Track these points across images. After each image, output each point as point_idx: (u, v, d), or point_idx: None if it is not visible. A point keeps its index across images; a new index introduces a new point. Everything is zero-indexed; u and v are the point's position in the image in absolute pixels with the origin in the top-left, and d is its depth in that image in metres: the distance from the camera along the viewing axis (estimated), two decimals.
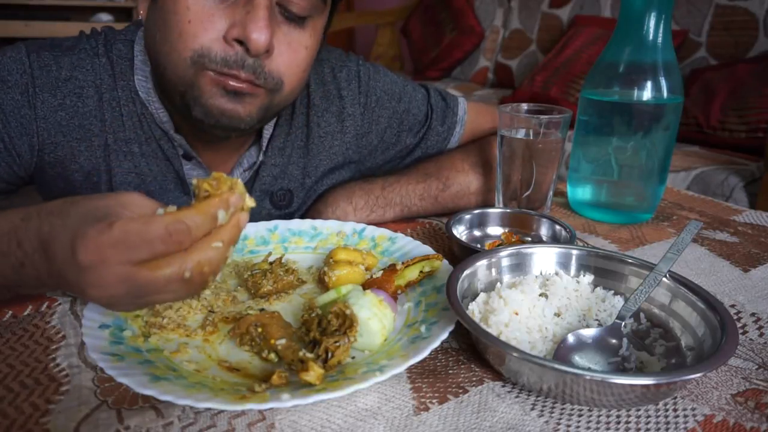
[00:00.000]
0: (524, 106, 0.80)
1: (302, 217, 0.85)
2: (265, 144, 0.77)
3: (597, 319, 0.54)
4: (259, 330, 0.49)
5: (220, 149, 0.75)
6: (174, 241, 0.39)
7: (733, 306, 0.60)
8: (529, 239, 0.75)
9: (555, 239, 0.72)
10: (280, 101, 0.67)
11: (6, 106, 0.65)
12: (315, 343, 0.48)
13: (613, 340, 0.49)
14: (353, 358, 0.49)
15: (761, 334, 0.55)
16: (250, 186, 0.80)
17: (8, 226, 0.48)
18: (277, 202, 0.82)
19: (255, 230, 0.71)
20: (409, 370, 0.48)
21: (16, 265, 0.47)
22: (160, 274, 0.40)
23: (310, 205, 0.86)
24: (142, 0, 0.66)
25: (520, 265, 0.59)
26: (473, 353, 0.51)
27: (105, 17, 3.65)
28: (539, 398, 0.45)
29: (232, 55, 0.60)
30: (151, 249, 0.39)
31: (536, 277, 0.58)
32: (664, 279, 0.53)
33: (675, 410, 0.44)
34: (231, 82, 0.61)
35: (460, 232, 0.74)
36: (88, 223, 0.41)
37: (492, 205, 0.85)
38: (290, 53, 0.64)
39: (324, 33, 0.70)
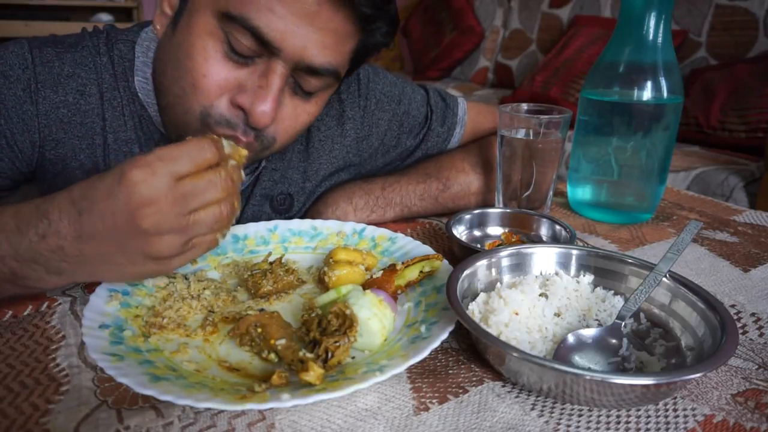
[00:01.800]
0: (524, 106, 0.80)
1: (302, 217, 0.84)
2: None
3: (597, 319, 0.54)
4: (259, 330, 0.49)
5: None
6: (206, 148, 0.48)
7: (733, 306, 0.60)
8: (529, 239, 0.75)
9: (555, 239, 0.72)
10: (269, 154, 0.68)
11: (8, 101, 0.65)
12: (315, 343, 0.48)
13: (613, 340, 0.49)
14: (353, 358, 0.49)
15: (761, 334, 0.55)
16: (250, 190, 0.79)
17: (30, 207, 0.51)
18: (277, 207, 0.82)
19: (255, 230, 0.71)
20: (409, 370, 0.48)
21: (34, 241, 0.49)
22: (201, 178, 0.47)
23: (309, 206, 0.86)
24: (160, 16, 0.65)
25: (520, 265, 0.59)
26: (473, 353, 0.51)
27: (105, 17, 3.65)
28: (539, 398, 0.45)
29: (235, 118, 0.61)
30: (189, 157, 0.47)
31: (536, 277, 0.58)
32: (664, 279, 0.53)
33: (675, 410, 0.44)
34: None
35: (460, 232, 0.74)
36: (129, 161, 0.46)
37: (492, 205, 0.85)
38: (291, 120, 0.64)
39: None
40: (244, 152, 0.54)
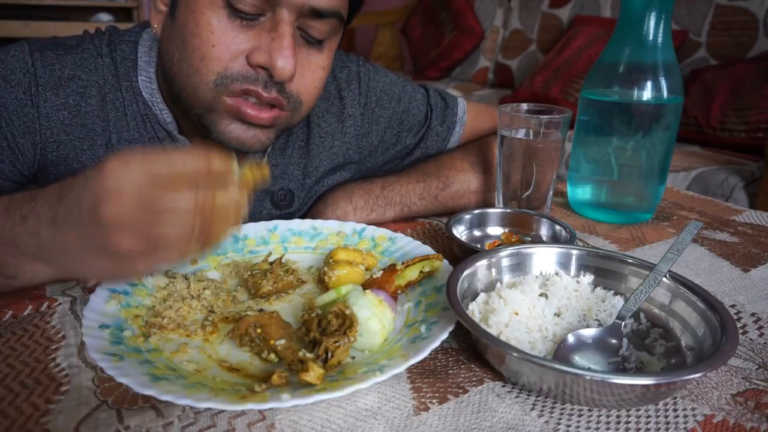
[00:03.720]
0: (524, 106, 0.80)
1: (302, 217, 0.85)
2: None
3: (597, 319, 0.54)
4: (259, 331, 0.49)
5: None
6: (193, 159, 0.43)
7: (733, 306, 0.60)
8: (529, 239, 0.75)
9: (555, 239, 0.72)
10: (298, 119, 0.69)
11: (9, 105, 0.66)
12: (315, 343, 0.48)
13: (613, 340, 0.49)
14: (353, 358, 0.49)
15: (761, 334, 0.55)
16: None
17: (26, 193, 0.51)
18: (278, 202, 0.82)
19: (255, 230, 0.71)
20: (409, 370, 0.48)
21: (16, 222, 0.48)
22: (173, 193, 0.42)
23: (310, 206, 0.86)
24: (155, 14, 0.65)
25: (520, 265, 0.59)
26: (473, 353, 0.51)
27: (105, 17, 3.66)
28: (539, 398, 0.45)
29: (254, 75, 0.61)
30: (169, 162, 0.42)
31: (536, 277, 0.58)
32: (664, 279, 0.53)
33: (675, 410, 0.44)
34: (251, 112, 0.62)
35: (460, 232, 0.74)
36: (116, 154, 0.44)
37: (492, 205, 0.85)
38: (310, 75, 0.65)
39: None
40: (266, 171, 0.49)
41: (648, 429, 0.42)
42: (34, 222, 0.48)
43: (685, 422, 0.43)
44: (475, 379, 0.47)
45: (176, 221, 0.43)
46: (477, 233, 0.77)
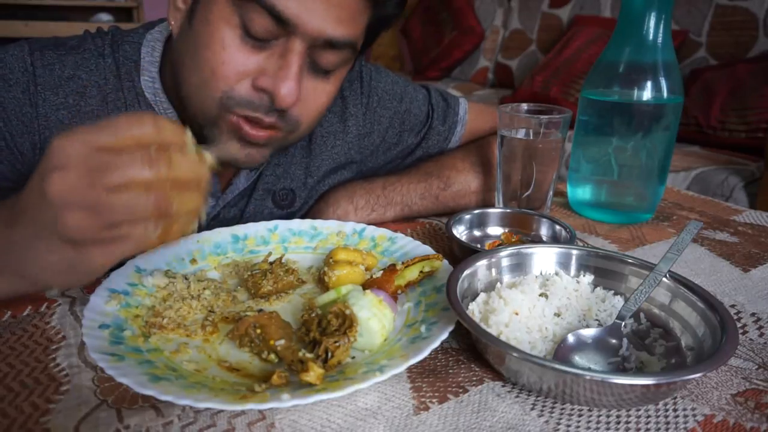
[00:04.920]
0: (524, 106, 0.80)
1: (303, 216, 0.85)
2: None
3: (597, 319, 0.54)
4: (258, 331, 0.49)
5: None
6: (139, 123, 0.40)
7: (733, 306, 0.60)
8: (529, 239, 0.75)
9: (555, 239, 0.72)
10: (295, 139, 0.68)
11: (7, 104, 0.65)
12: (315, 343, 0.48)
13: (613, 340, 0.49)
14: (353, 358, 0.49)
15: (761, 334, 0.55)
16: (252, 186, 0.80)
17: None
18: (279, 202, 0.82)
19: (255, 230, 0.71)
20: (409, 370, 0.48)
21: None
22: (121, 159, 0.39)
23: (311, 205, 0.86)
24: (174, 11, 0.65)
25: (520, 265, 0.59)
26: (473, 353, 0.51)
27: (105, 17, 3.66)
28: (539, 398, 0.45)
29: (257, 100, 0.60)
30: (114, 129, 0.40)
31: (536, 277, 0.58)
32: (664, 279, 0.53)
33: (675, 410, 0.44)
34: (250, 131, 0.62)
35: (460, 232, 0.74)
36: None
37: (492, 205, 0.85)
38: (313, 100, 0.64)
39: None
40: (210, 159, 0.45)
41: (648, 429, 0.42)
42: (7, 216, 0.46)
43: (685, 422, 0.43)
44: (475, 378, 0.47)
45: (128, 194, 0.40)
46: (477, 233, 0.77)
